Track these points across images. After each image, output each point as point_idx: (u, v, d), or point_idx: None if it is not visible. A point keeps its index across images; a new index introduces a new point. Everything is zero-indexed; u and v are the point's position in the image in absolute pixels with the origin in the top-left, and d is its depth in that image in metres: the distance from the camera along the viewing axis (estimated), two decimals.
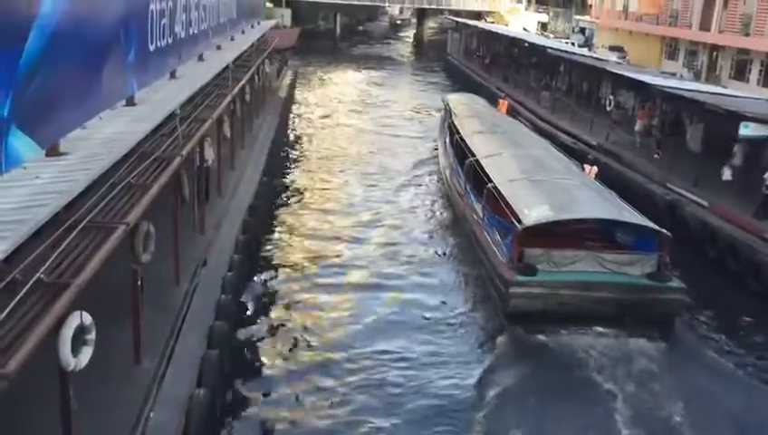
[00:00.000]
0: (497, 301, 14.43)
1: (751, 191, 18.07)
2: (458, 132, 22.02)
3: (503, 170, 17.60)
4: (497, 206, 16.09)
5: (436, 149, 26.99)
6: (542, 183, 16.52)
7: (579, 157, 21.97)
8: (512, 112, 30.01)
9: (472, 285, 16.08)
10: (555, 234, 14.95)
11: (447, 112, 25.45)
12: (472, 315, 14.77)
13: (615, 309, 13.63)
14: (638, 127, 25.23)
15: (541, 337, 13.32)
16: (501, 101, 31.28)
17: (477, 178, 18.08)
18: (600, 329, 13.45)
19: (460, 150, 20.89)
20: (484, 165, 18.05)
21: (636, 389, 11.84)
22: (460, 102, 26.52)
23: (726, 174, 19.68)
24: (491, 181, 16.82)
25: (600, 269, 14.10)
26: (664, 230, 14.51)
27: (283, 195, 22.31)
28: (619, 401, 11.51)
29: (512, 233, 14.55)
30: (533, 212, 14.74)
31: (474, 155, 19.16)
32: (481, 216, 17.06)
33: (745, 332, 14.80)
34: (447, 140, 23.83)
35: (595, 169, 19.21)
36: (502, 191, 16.10)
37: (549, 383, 11.92)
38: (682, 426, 10.94)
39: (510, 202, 15.46)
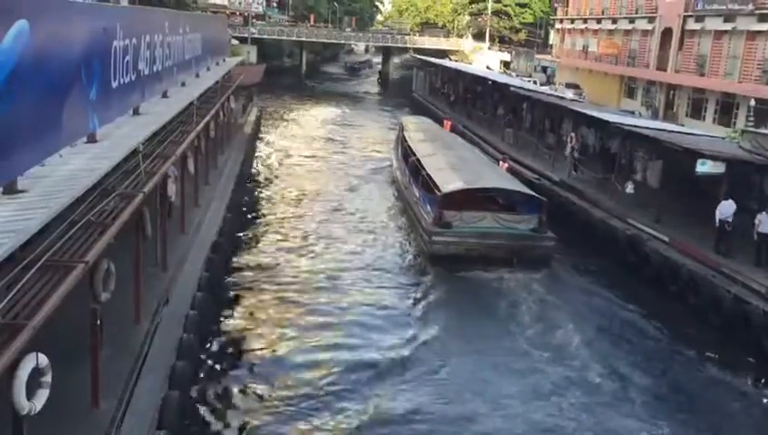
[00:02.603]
0: (423, 247, 20.22)
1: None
2: (406, 141, 27.88)
3: (434, 163, 23.27)
4: (429, 188, 21.50)
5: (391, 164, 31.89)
6: (461, 169, 22.69)
7: (544, 196, 23.39)
8: (453, 130, 35.97)
9: (411, 243, 21.71)
10: (467, 200, 20.19)
11: (401, 129, 31.47)
12: (409, 260, 20.42)
13: (507, 253, 19.24)
14: (567, 150, 28.03)
15: (454, 272, 18.71)
16: (445, 121, 37.46)
17: (417, 171, 23.65)
18: (497, 267, 18.79)
19: (407, 154, 26.69)
20: (421, 161, 23.76)
21: (524, 302, 17.16)
22: (412, 121, 33.80)
23: (629, 187, 22.24)
24: (425, 170, 22.42)
25: (497, 225, 19.74)
26: (543, 198, 20.57)
27: (248, 231, 22.15)
28: (512, 311, 16.77)
29: (435, 201, 20.26)
30: (450, 184, 20.60)
31: (415, 155, 24.94)
32: (418, 196, 22.75)
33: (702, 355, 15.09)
34: (399, 148, 29.74)
35: (507, 164, 26.56)
36: (431, 175, 21.75)
37: (461, 301, 17.34)
38: (559, 321, 16.24)
39: (435, 180, 21.14)
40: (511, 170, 25.59)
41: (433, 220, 20.02)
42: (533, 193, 21.04)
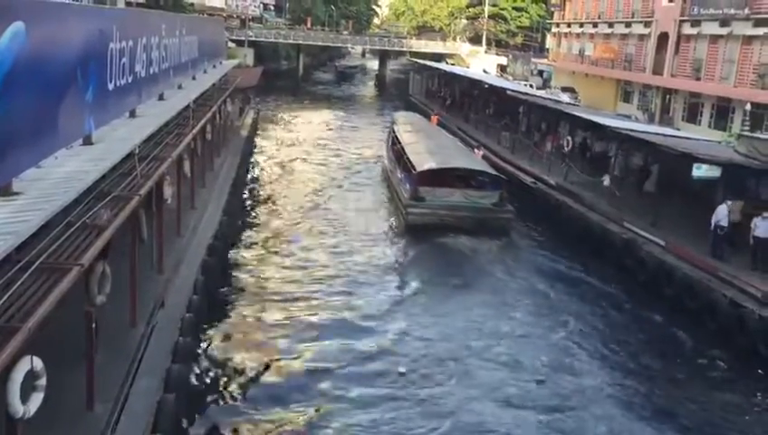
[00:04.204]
0: (402, 219, 23.50)
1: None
2: (395, 132, 30.95)
3: (414, 149, 26.38)
4: (408, 168, 24.72)
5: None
6: (436, 153, 25.86)
7: (541, 199, 25.81)
8: (439, 125, 38.88)
9: (392, 214, 25.15)
10: (439, 178, 23.26)
11: (393, 122, 34.46)
12: (390, 227, 23.83)
13: (472, 223, 22.58)
14: (548, 148, 30.12)
15: (427, 239, 21.95)
16: (432, 116, 41.33)
17: (400, 155, 27.02)
18: (463, 235, 22.06)
19: (394, 142, 29.82)
20: (404, 147, 26.97)
21: (486, 262, 20.64)
22: (402, 116, 37.26)
23: (606, 180, 23.97)
24: (406, 154, 25.75)
25: (464, 200, 23.00)
26: (503, 177, 24.54)
27: (244, 234, 22.11)
28: (475, 267, 20.21)
29: (412, 178, 23.54)
30: (424, 164, 23.87)
31: (400, 143, 28.08)
32: (400, 178, 26.02)
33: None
34: (390, 139, 32.45)
35: (481, 151, 30.24)
36: (410, 158, 24.97)
37: (433, 261, 20.68)
38: (514, 275, 19.82)
39: (413, 161, 24.49)
40: (485, 157, 29.20)
41: (409, 195, 23.49)
42: (496, 173, 24.68)
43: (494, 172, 24.60)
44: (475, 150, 30.13)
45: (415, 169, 23.64)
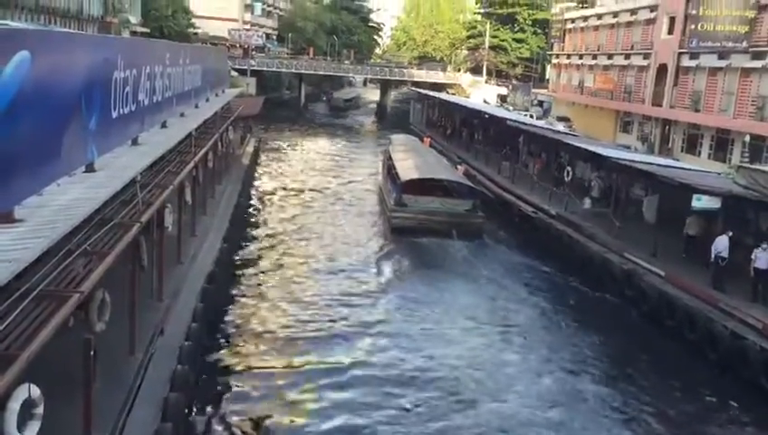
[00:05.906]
0: (387, 222, 27.22)
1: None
2: (389, 151, 34.69)
3: (403, 164, 29.89)
4: (394, 179, 28.55)
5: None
6: (421, 167, 29.70)
7: (541, 229, 26.28)
8: (432, 145, 42.69)
9: (380, 218, 28.99)
10: (420, 187, 26.77)
11: (390, 143, 38.36)
12: (377, 230, 27.54)
13: (448, 227, 25.74)
14: (531, 170, 32.74)
15: (408, 239, 25.41)
16: (424, 138, 44.77)
17: (390, 169, 30.76)
18: (440, 238, 25.28)
19: (387, 159, 33.36)
20: (394, 162, 30.60)
21: (460, 260, 23.55)
22: (398, 138, 41.02)
23: (587, 203, 26.30)
24: (395, 168, 29.29)
25: (442, 206, 26.58)
26: (477, 187, 28.50)
27: (245, 262, 22.09)
28: (450, 265, 23.05)
29: (397, 187, 27.31)
30: (408, 175, 27.43)
31: (392, 159, 31.57)
32: (389, 188, 29.88)
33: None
34: (385, 157, 35.24)
35: (463, 168, 33.63)
36: (398, 170, 28.53)
37: (413, 257, 23.69)
38: (485, 271, 22.49)
39: (399, 172, 28.16)
40: (467, 173, 32.29)
41: (394, 201, 27.15)
42: (470, 184, 28.41)
43: (469, 184, 28.31)
44: (458, 167, 33.74)
45: (400, 179, 27.21)
